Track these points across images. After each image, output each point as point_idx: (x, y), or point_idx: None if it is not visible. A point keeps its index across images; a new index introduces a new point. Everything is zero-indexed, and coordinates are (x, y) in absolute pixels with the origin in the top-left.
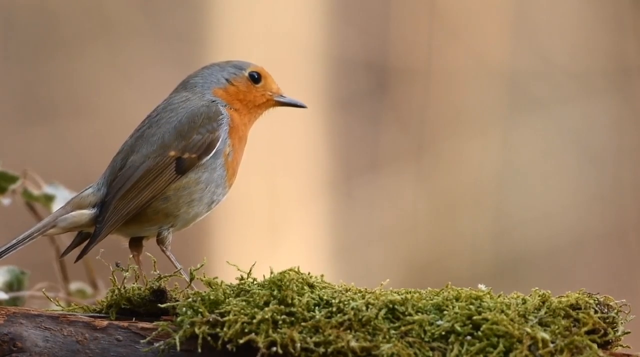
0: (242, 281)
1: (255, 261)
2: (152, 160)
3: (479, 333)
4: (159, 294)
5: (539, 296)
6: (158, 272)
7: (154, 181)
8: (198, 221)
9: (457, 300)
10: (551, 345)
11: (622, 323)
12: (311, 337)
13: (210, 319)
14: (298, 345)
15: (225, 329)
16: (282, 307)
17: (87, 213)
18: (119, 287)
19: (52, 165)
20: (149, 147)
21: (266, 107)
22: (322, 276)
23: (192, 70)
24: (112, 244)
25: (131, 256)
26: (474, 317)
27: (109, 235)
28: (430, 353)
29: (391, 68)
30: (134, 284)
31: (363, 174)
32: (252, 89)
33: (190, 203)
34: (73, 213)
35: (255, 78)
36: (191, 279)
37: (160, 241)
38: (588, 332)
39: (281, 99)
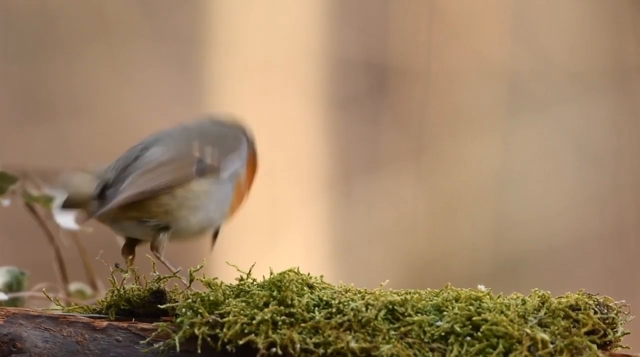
0: (242, 282)
1: (254, 261)
2: (176, 152)
3: (479, 334)
4: (159, 295)
5: (538, 297)
6: (157, 273)
7: (176, 170)
8: (184, 243)
9: (456, 301)
10: (551, 346)
11: (621, 324)
12: (311, 338)
13: (210, 320)
14: (298, 346)
15: (224, 330)
16: (282, 308)
17: (89, 178)
18: (119, 288)
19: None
20: (173, 143)
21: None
22: (321, 276)
23: (192, 70)
24: (111, 244)
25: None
26: (474, 318)
27: (107, 232)
28: (430, 354)
29: (391, 68)
30: (133, 285)
31: (362, 174)
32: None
33: (192, 209)
34: (76, 177)
35: None
36: (190, 281)
37: (155, 247)
38: (588, 333)
39: None
